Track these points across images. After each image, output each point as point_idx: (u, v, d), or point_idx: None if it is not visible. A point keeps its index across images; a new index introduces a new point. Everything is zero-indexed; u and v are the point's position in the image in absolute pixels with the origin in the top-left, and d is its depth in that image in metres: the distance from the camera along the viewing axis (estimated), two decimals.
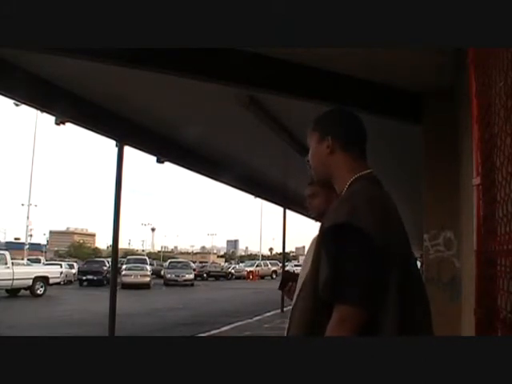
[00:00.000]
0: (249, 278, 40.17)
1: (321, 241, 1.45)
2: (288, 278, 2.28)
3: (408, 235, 1.55)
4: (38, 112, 7.33)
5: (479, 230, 1.53)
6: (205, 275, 38.08)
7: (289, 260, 68.54)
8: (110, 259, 15.11)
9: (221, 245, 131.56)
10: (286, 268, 20.61)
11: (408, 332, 1.38)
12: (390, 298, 1.37)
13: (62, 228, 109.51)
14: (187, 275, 30.61)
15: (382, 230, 1.38)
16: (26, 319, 12.22)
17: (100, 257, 45.83)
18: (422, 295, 1.50)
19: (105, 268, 26.85)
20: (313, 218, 2.12)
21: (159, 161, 8.60)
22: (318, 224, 1.75)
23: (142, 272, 27.08)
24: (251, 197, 14.16)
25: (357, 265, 1.35)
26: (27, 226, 45.80)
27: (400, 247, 1.46)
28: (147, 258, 35.10)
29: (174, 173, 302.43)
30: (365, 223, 1.37)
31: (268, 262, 49.34)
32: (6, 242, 52.88)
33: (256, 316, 13.49)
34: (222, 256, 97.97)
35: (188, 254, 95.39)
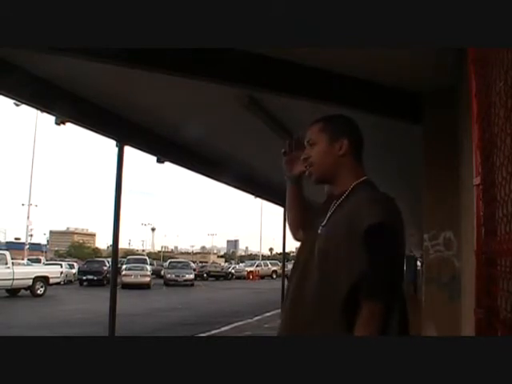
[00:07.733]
0: (249, 278, 40.16)
1: (361, 238, 1.45)
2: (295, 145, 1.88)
3: None
4: (38, 112, 7.31)
5: (479, 230, 1.52)
6: (205, 275, 38.07)
7: (289, 260, 68.39)
8: (110, 259, 15.10)
9: (221, 245, 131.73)
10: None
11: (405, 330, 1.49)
12: (400, 295, 1.48)
13: (62, 228, 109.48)
14: (187, 275, 30.61)
15: (402, 231, 1.52)
16: (26, 319, 12.21)
17: (100, 257, 45.79)
18: None
19: (105, 268, 26.86)
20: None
21: (159, 161, 8.58)
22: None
23: (142, 272, 27.08)
24: (251, 197, 14.12)
25: (392, 265, 1.45)
26: (27, 226, 45.70)
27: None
28: (147, 258, 35.10)
29: (174, 173, 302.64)
30: (397, 225, 1.49)
31: (268, 261, 49.22)
32: (7, 242, 52.83)
33: (256, 316, 13.48)
34: (222, 256, 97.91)
35: (188, 254, 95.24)
